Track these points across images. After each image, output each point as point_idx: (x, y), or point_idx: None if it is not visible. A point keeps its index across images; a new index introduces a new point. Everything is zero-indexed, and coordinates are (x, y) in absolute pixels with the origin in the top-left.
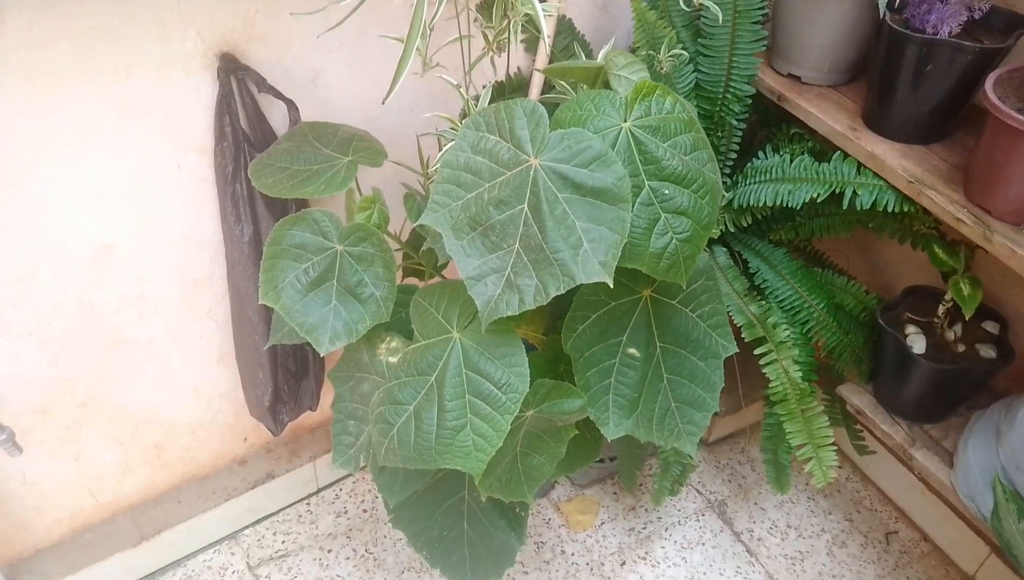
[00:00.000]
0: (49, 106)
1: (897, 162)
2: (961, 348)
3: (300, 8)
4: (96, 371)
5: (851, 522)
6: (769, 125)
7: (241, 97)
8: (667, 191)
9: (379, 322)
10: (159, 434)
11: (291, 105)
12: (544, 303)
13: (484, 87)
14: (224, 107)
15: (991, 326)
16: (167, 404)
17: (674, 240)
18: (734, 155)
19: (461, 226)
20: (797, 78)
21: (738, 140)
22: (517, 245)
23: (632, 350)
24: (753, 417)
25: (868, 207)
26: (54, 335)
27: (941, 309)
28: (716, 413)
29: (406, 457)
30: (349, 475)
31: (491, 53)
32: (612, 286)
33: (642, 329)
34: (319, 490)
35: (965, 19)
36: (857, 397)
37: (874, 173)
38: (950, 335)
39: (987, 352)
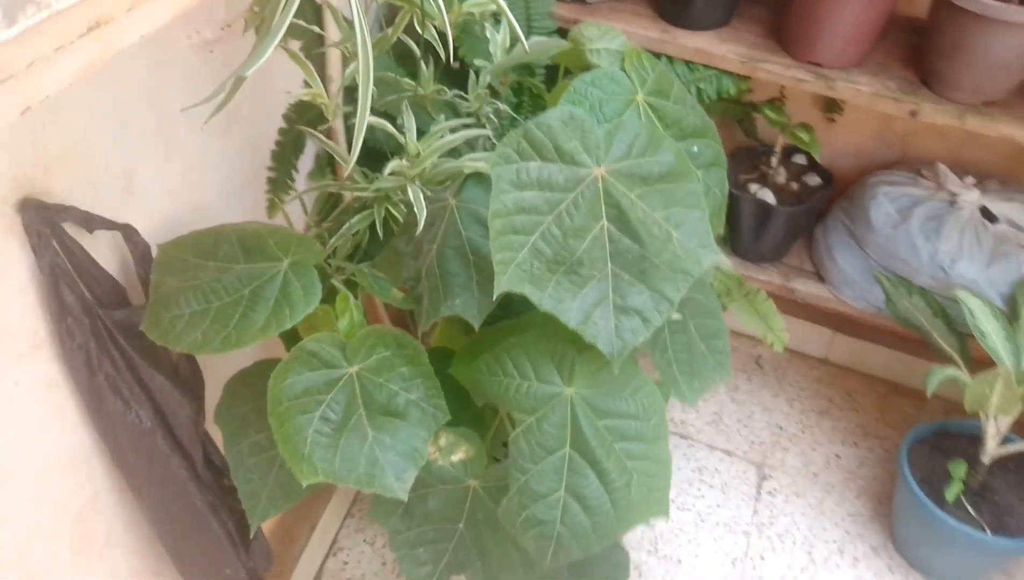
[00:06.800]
0: None
1: (720, 48)
2: (795, 186)
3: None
4: None
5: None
6: None
7: (66, 250)
8: (696, 148)
9: (438, 427)
10: None
11: (127, 229)
12: (673, 313)
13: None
14: (54, 274)
15: (799, 158)
16: None
17: (715, 192)
18: None
19: (540, 274)
20: (581, 1)
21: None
22: (610, 266)
23: None
24: None
25: (715, 97)
26: None
27: (774, 160)
28: None
29: (586, 542)
30: None
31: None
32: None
33: None
34: None
35: None
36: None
37: (704, 65)
38: (781, 179)
39: (813, 180)
